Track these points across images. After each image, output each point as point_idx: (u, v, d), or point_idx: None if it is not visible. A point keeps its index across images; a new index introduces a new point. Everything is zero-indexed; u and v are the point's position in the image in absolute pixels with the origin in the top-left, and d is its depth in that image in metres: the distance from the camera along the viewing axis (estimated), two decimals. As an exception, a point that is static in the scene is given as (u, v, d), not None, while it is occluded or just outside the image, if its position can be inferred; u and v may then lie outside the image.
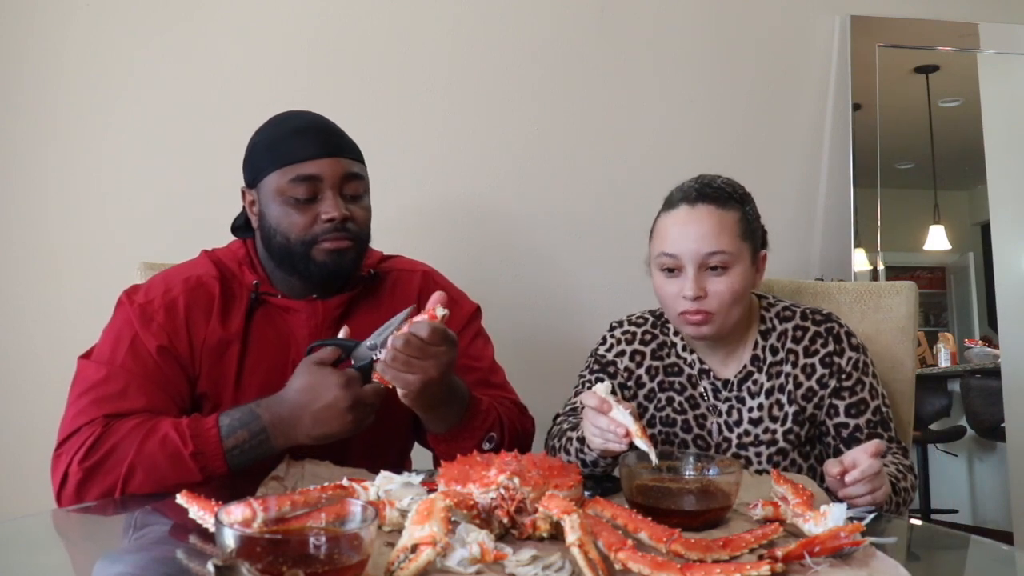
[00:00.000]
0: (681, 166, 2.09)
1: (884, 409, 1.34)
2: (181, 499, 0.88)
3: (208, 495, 0.88)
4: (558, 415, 1.42)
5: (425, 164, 1.98)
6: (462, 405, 1.21)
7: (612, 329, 1.47)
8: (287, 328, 1.27)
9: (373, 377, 1.14)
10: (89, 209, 1.82)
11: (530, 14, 2.03)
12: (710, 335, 1.31)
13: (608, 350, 1.44)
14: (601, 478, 1.16)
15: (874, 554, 0.82)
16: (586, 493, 0.94)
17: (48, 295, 1.81)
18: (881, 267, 2.21)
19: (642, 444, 1.01)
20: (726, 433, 1.35)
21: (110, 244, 1.81)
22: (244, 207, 1.34)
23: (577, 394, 1.42)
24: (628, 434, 1.04)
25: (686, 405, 1.37)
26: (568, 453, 1.26)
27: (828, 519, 0.86)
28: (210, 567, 0.62)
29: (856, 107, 2.18)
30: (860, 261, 2.20)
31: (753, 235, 1.32)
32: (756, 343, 1.37)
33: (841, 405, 1.33)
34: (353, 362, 1.16)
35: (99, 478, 1.09)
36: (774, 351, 1.36)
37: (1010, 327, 2.24)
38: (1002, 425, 2.19)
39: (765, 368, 1.36)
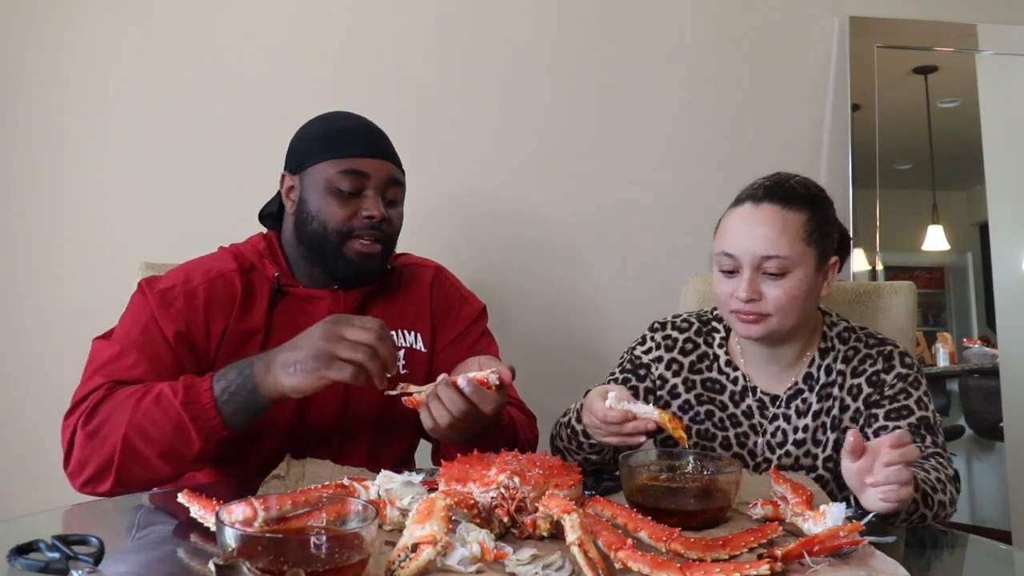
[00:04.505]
0: (679, 166, 2.12)
1: (932, 420, 1.24)
2: (183, 498, 0.88)
3: (209, 494, 0.88)
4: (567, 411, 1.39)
5: (426, 165, 1.98)
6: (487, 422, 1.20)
7: (654, 330, 1.41)
8: (309, 318, 1.28)
9: (405, 402, 1.11)
10: (89, 209, 1.82)
11: (536, 19, 2.03)
12: (762, 336, 1.25)
13: (646, 352, 1.39)
14: (601, 478, 1.16)
15: (873, 553, 0.82)
16: (586, 492, 0.95)
17: (48, 295, 1.81)
18: (880, 267, 2.22)
19: (672, 430, 1.04)
20: (767, 454, 1.31)
21: (110, 244, 1.82)
22: (279, 193, 1.36)
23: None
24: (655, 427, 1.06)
25: (728, 423, 1.33)
26: (562, 439, 1.28)
27: (827, 518, 0.86)
28: (211, 566, 0.62)
29: (855, 108, 2.18)
30: (859, 261, 2.20)
31: (822, 240, 1.26)
32: (813, 360, 1.32)
33: (880, 412, 1.26)
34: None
35: (99, 441, 1.09)
36: (828, 372, 1.30)
37: (1008, 327, 2.24)
38: (1000, 425, 2.19)
39: (817, 388, 1.30)
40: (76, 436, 1.10)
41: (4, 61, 1.79)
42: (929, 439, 1.23)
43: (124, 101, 1.84)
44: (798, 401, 1.31)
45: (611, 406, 1.08)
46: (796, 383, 1.31)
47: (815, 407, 1.29)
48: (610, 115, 2.08)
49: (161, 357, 1.18)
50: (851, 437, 0.98)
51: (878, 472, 0.96)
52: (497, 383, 1.08)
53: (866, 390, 1.29)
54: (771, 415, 1.31)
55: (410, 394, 1.11)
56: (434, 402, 1.08)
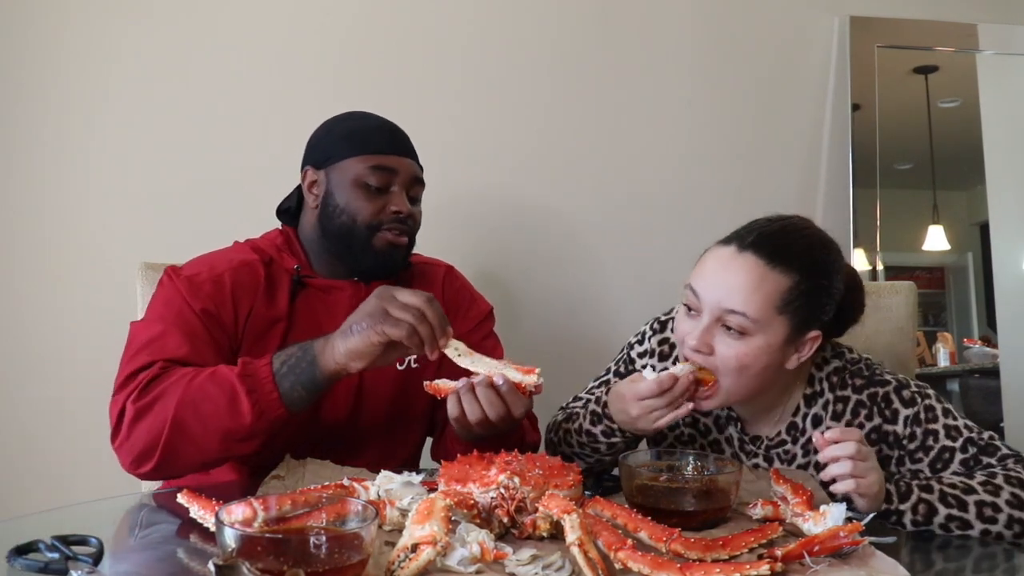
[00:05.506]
0: (679, 166, 2.12)
1: (976, 436, 1.13)
2: (182, 499, 0.88)
3: (209, 495, 0.88)
4: (561, 408, 1.38)
5: (426, 165, 1.98)
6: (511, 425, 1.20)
7: (654, 331, 1.34)
8: (329, 309, 1.30)
9: (427, 387, 1.11)
10: (89, 209, 1.82)
11: (536, 19, 2.03)
12: (713, 409, 1.18)
13: (641, 355, 1.34)
14: (601, 478, 1.16)
15: (873, 553, 0.83)
16: (586, 493, 0.95)
17: (48, 295, 1.81)
18: (880, 267, 2.22)
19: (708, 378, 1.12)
20: None
21: (110, 244, 1.81)
22: (301, 187, 1.38)
23: (605, 382, 1.36)
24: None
25: (708, 451, 1.26)
26: (570, 445, 1.25)
27: (827, 519, 0.86)
28: (211, 566, 0.62)
29: (855, 107, 2.18)
30: (859, 261, 2.20)
31: (802, 311, 1.11)
32: (798, 408, 1.20)
33: (924, 467, 1.14)
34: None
35: (150, 416, 1.08)
36: (816, 421, 1.18)
37: (1009, 327, 2.24)
38: (1001, 425, 2.19)
39: (802, 441, 1.19)
40: (126, 412, 1.09)
41: (4, 61, 1.79)
42: (984, 459, 1.12)
43: (124, 101, 1.84)
44: (780, 451, 1.22)
45: (657, 375, 1.09)
46: (779, 433, 1.21)
47: (800, 461, 1.20)
48: (610, 115, 2.08)
49: (199, 336, 1.19)
50: (816, 437, 1.01)
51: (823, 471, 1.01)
52: (533, 390, 1.08)
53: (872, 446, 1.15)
54: (750, 451, 1.24)
55: (466, 370, 1.10)
56: (467, 396, 1.09)
